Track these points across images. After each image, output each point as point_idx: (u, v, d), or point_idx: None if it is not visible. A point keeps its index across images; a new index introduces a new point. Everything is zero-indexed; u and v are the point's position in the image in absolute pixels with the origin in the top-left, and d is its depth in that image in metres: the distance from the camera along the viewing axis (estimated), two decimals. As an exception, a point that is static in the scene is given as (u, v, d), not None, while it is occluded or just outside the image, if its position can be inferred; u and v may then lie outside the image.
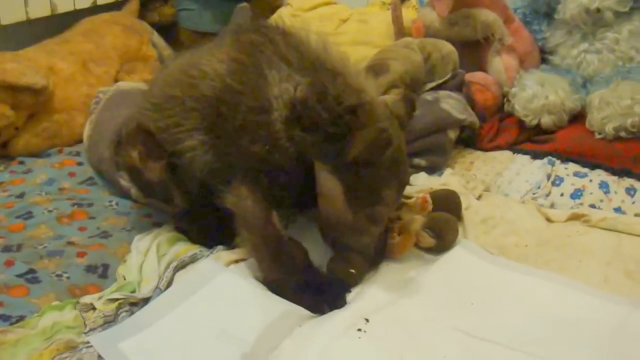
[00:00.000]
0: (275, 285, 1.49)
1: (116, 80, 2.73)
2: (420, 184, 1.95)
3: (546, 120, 2.27)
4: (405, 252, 1.62)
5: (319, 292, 1.48)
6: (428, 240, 1.63)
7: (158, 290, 1.54)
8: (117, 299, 1.51)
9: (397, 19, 2.66)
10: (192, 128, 1.55)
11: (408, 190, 1.84)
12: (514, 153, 2.25)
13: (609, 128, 2.11)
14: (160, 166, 1.62)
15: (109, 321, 1.46)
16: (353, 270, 1.53)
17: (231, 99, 1.49)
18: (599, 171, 2.04)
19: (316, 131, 1.38)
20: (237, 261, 1.59)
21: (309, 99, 1.40)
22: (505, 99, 2.44)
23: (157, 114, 1.62)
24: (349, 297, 1.51)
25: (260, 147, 1.46)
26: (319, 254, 1.59)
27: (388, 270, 1.60)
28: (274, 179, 1.49)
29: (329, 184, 1.43)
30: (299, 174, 1.48)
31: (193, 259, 1.62)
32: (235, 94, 1.48)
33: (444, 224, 1.68)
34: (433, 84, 2.29)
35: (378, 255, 1.59)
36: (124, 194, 1.95)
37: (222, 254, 1.62)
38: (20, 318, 1.47)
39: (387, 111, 1.47)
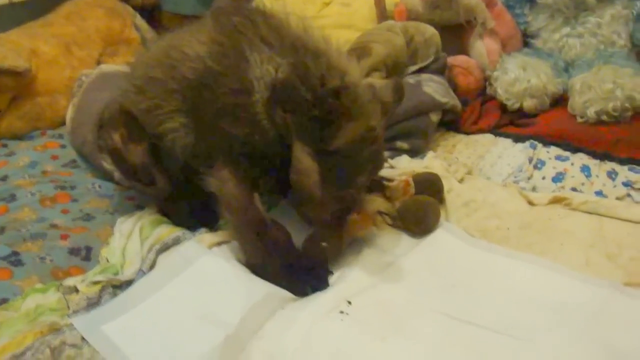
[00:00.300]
0: (258, 267, 1.49)
1: (99, 63, 2.72)
2: (403, 167, 1.94)
3: (528, 104, 2.27)
4: (359, 231, 1.62)
5: (301, 274, 1.48)
6: (385, 225, 1.66)
7: (141, 273, 1.54)
8: (100, 282, 1.51)
9: (379, 3, 2.65)
10: (173, 110, 1.55)
11: (390, 173, 1.84)
12: (496, 136, 2.24)
13: (591, 112, 2.11)
14: (142, 149, 1.62)
15: (92, 303, 1.46)
16: (324, 244, 1.53)
17: (212, 81, 1.48)
18: (580, 155, 2.04)
19: (298, 113, 1.37)
20: (219, 243, 1.59)
21: (290, 80, 1.39)
22: (487, 83, 2.45)
23: (138, 96, 1.61)
24: (332, 279, 1.51)
25: (242, 129, 1.45)
26: (301, 237, 1.58)
27: (370, 253, 1.60)
28: (255, 162, 1.48)
29: (305, 163, 1.41)
30: (281, 156, 1.46)
31: (176, 242, 1.61)
32: (216, 75, 1.48)
33: (426, 206, 1.68)
34: (415, 67, 2.28)
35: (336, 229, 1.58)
36: (107, 177, 1.94)
37: (205, 237, 1.61)
38: (4, 301, 1.46)
39: (370, 95, 1.46)
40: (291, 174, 1.45)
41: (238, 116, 1.45)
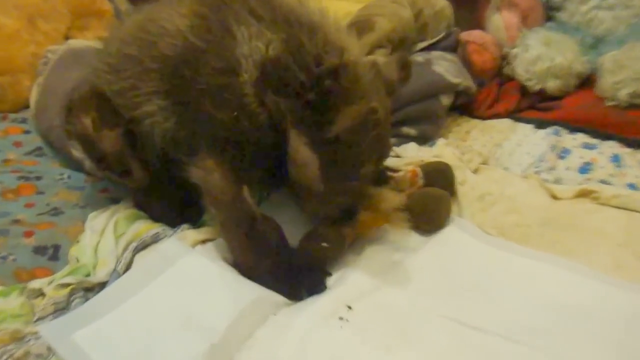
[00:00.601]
0: (247, 268, 1.50)
1: (67, 38, 2.71)
2: (410, 156, 1.96)
3: (551, 85, 2.28)
4: (371, 230, 1.64)
5: (296, 275, 1.49)
6: (401, 224, 1.64)
7: (116, 274, 1.55)
8: (69, 284, 1.52)
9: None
10: (150, 91, 1.55)
11: (396, 162, 1.85)
12: (515, 122, 2.26)
13: (623, 94, 2.12)
14: (116, 135, 1.62)
15: (61, 308, 1.47)
16: (325, 244, 1.54)
17: (194, 58, 1.48)
18: (610, 143, 2.05)
19: (291, 96, 1.37)
20: (204, 241, 1.61)
21: (282, 58, 1.39)
22: (505, 61, 2.45)
23: (112, 75, 1.62)
24: (330, 281, 1.52)
25: (228, 114, 1.45)
26: (296, 234, 1.59)
27: (373, 252, 1.61)
28: (244, 150, 1.48)
29: (303, 154, 1.42)
30: (273, 144, 1.47)
31: (155, 239, 1.63)
32: (199, 53, 1.48)
33: (435, 200, 1.69)
34: (424, 44, 2.29)
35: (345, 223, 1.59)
36: (77, 166, 1.93)
37: (187, 234, 1.63)
38: (-41, 305, 1.47)
39: (372, 74, 1.46)
40: (289, 166, 1.46)
41: (223, 99, 1.45)
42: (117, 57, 1.62)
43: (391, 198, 1.62)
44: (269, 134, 1.45)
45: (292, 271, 1.50)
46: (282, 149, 1.45)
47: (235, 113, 1.44)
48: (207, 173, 1.49)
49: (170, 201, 1.74)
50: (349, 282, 1.51)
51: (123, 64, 1.60)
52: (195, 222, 1.69)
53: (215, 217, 1.54)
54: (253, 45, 1.43)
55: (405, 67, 1.57)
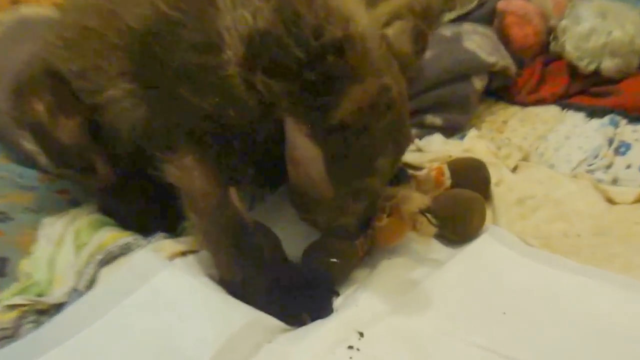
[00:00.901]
0: (237, 286, 1.50)
1: (15, 3, 2.72)
2: (435, 151, 1.97)
3: (608, 65, 2.28)
4: (395, 240, 1.62)
5: (295, 295, 1.49)
6: (428, 228, 1.59)
7: (76, 293, 1.55)
8: (19, 306, 1.51)
9: None
10: (115, 73, 1.54)
11: (418, 158, 1.85)
12: (563, 109, 2.27)
13: (696, 77, 2.12)
14: (75, 124, 1.63)
15: (8, 336, 1.46)
16: (335, 260, 1.54)
17: (166, 32, 1.46)
18: (680, 135, 2.05)
19: (286, 77, 1.33)
20: (184, 253, 1.60)
21: (274, 30, 1.34)
22: (551, 36, 2.45)
23: (69, 52, 1.62)
24: (337, 302, 1.52)
25: (209, 100, 1.43)
26: (296, 244, 1.59)
27: (389, 267, 1.60)
28: (230, 144, 1.48)
29: (304, 149, 1.41)
30: (265, 136, 1.46)
31: (125, 250, 1.62)
32: (172, 25, 1.46)
33: (466, 204, 1.69)
34: (453, 15, 2.29)
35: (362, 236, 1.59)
36: (29, 162, 1.93)
37: (164, 244, 1.63)
38: None
39: (384, 49, 1.44)
40: (287, 165, 1.46)
41: (203, 81, 1.43)
42: (76, 30, 1.62)
43: (415, 199, 1.58)
44: (261, 123, 1.44)
45: (291, 290, 1.49)
46: (277, 141, 1.45)
47: (218, 99, 1.43)
48: (186, 172, 1.49)
49: (142, 204, 1.74)
50: (360, 303, 1.49)
51: (83, 38, 1.59)
52: (174, 229, 1.69)
53: (197, 226, 1.53)
54: (238, 15, 1.39)
55: (420, 38, 1.55)
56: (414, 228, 1.58)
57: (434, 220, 1.57)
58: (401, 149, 1.52)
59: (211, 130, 1.46)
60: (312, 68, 1.30)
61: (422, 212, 1.57)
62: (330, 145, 1.38)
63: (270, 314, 1.45)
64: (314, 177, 1.43)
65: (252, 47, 1.35)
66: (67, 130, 1.62)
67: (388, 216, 1.58)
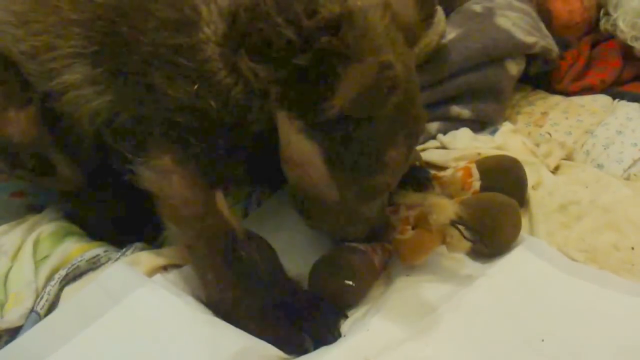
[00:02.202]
0: (226, 307, 1.47)
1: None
2: (462, 147, 1.94)
3: (668, 47, 2.27)
4: (421, 257, 1.58)
5: (296, 318, 1.46)
6: (461, 243, 1.57)
7: (34, 316, 1.51)
8: (-34, 330, 1.49)
9: None
10: (72, 53, 1.49)
11: (443, 157, 1.83)
12: (614, 99, 2.24)
13: None
14: (28, 116, 1.59)
15: (-48, 366, 1.45)
16: (350, 282, 1.51)
17: (134, 8, 1.42)
18: None
19: (275, 61, 1.30)
20: (165, 268, 1.58)
21: (260, 6, 1.31)
22: (601, 12, 2.42)
23: (19, 29, 1.57)
24: (344, 326, 1.49)
25: (185, 88, 1.38)
26: (297, 257, 1.57)
27: (406, 286, 1.58)
28: (213, 141, 1.43)
29: (300, 147, 1.38)
30: (254, 129, 1.43)
31: (93, 265, 1.61)
32: None
33: (497, 211, 1.66)
34: (483, -15, 2.28)
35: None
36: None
37: (141, 257, 1.60)
38: None
39: (386, 20, 1.38)
40: (282, 166, 1.44)
41: (178, 66, 1.38)
42: (26, 3, 1.56)
43: (445, 207, 1.56)
44: (249, 115, 1.40)
45: (291, 312, 1.46)
46: (273, 135, 1.42)
47: (197, 86, 1.38)
48: (162, 176, 1.44)
49: (115, 209, 1.71)
50: (371, 327, 1.46)
51: (34, 12, 1.54)
52: (153, 239, 1.66)
53: (179, 237, 1.49)
54: None
55: (425, 3, 1.50)
56: (444, 242, 1.56)
57: (467, 234, 1.54)
58: (414, 136, 1.47)
59: (190, 125, 1.41)
60: (304, 50, 1.26)
61: (454, 223, 1.55)
62: (329, 140, 1.34)
63: (265, 340, 1.41)
64: (314, 178, 1.40)
65: (235, 24, 1.32)
66: (18, 124, 1.58)
67: (413, 228, 1.55)
